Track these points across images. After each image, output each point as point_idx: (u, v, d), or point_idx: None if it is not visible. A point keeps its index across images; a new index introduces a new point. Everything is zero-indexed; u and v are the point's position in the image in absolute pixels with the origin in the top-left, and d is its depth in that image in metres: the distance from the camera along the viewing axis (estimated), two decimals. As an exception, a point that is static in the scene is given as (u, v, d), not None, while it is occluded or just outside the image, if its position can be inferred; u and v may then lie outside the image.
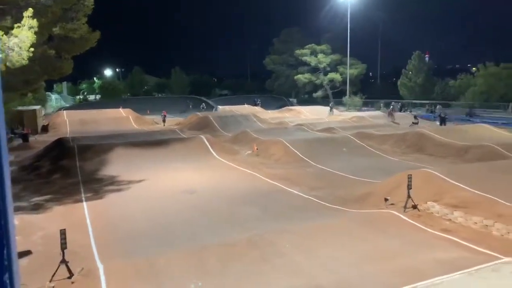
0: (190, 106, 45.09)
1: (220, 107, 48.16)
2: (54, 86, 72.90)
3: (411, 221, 9.53)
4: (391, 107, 39.11)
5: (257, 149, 20.56)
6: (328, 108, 43.87)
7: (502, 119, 35.66)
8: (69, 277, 7.10)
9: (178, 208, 11.80)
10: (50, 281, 6.98)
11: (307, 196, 12.74)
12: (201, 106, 47.54)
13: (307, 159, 18.16)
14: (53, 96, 66.77)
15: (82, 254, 8.30)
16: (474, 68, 56.95)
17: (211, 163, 18.05)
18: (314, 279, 6.98)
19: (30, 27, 10.72)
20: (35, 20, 10.83)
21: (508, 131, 25.49)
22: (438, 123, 31.66)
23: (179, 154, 18.78)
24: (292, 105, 56.29)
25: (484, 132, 24.01)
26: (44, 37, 15.77)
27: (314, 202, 12.17)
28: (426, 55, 59.14)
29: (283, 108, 48.11)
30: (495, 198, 9.52)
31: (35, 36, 10.94)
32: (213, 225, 10.38)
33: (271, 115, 40.78)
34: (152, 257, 7.98)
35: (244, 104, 49.67)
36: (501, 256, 7.48)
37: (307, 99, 65.72)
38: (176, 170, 16.67)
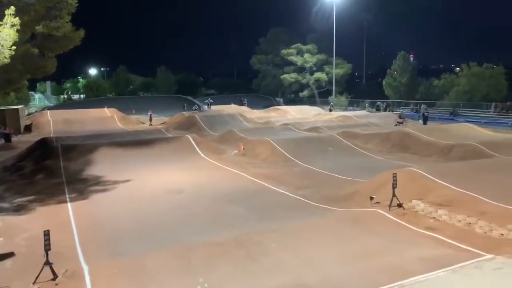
0: (185, 107, 44.81)
1: (205, 107, 47.87)
2: (38, 85, 72.01)
3: (396, 220, 9.63)
4: (401, 111, 39.83)
5: (243, 148, 20.55)
6: (328, 108, 45.85)
7: (485, 118, 36.27)
8: (53, 279, 7.00)
9: (164, 208, 11.73)
10: (34, 283, 6.88)
11: (293, 196, 12.78)
12: (193, 107, 47.33)
13: (293, 159, 18.21)
14: (37, 96, 65.95)
15: (67, 255, 8.19)
16: (457, 68, 57.71)
17: (197, 162, 17.98)
18: (301, 277, 7.00)
19: (12, 25, 10.55)
20: (17, 18, 10.67)
21: (490, 130, 25.95)
22: (421, 121, 32.08)
23: (165, 154, 18.67)
24: (278, 104, 56.41)
25: (468, 131, 24.41)
26: (27, 36, 15.55)
27: (300, 201, 12.21)
28: (411, 55, 59.79)
29: (269, 108, 48.17)
30: (478, 196, 9.68)
31: (17, 34, 10.78)
32: (199, 224, 10.34)
33: (257, 115, 40.80)
34: (139, 258, 7.93)
35: (230, 104, 49.58)
36: (484, 253, 7.61)
37: (294, 99, 65.98)
38: (162, 170, 16.56)
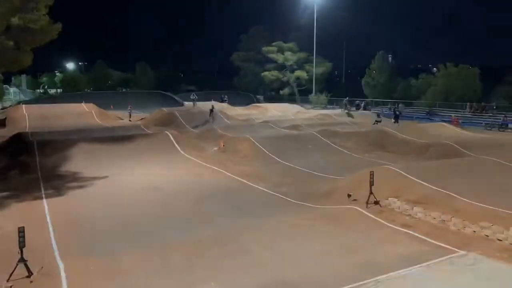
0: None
1: (186, 103, 47.44)
2: (13, 78, 70.15)
3: (373, 217, 9.79)
4: (379, 111, 40.25)
5: (224, 145, 20.52)
6: (343, 105, 43.97)
7: (460, 118, 37.00)
8: (28, 276, 6.88)
9: (142, 205, 11.64)
10: (8, 281, 6.74)
11: (273, 193, 12.83)
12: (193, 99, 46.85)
13: (273, 156, 18.27)
14: (11, 89, 64.33)
15: (42, 252, 8.04)
16: (435, 69, 58.78)
17: (176, 159, 17.86)
18: (279, 274, 7.06)
19: (-14, 17, 10.27)
20: (-8, 9, 10.39)
21: (465, 130, 26.55)
22: (393, 120, 32.66)
23: (144, 150, 18.47)
24: (259, 102, 56.43)
25: (444, 130, 24.92)
26: (2, 27, 15.16)
27: (279, 198, 12.27)
28: (389, 55, 60.61)
29: (250, 105, 48.13)
30: (453, 194, 9.93)
31: (-8, 26, 10.50)
32: (178, 222, 10.29)
33: (238, 112, 40.70)
34: (116, 255, 7.84)
35: (211, 101, 49.36)
36: (458, 250, 7.82)
37: (274, 96, 66.12)
38: (141, 166, 16.39)
